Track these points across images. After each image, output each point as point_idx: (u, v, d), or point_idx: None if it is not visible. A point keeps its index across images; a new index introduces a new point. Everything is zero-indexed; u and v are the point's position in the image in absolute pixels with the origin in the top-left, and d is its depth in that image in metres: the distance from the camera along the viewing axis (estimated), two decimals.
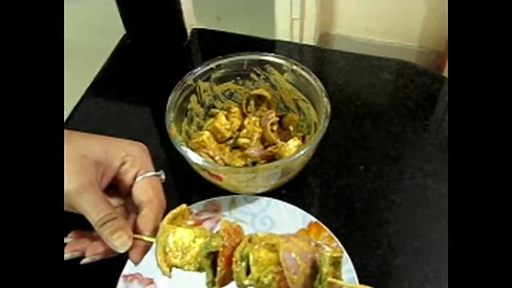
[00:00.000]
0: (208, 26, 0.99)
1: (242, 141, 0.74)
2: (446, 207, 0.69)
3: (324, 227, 0.66)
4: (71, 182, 0.44)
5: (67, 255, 0.48)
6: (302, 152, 0.63)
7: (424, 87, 0.86)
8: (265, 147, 0.73)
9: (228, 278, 0.44)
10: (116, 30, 0.95)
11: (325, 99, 0.68)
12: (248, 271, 0.42)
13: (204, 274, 0.44)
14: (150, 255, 0.64)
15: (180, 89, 0.71)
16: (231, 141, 0.75)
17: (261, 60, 0.74)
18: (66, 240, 0.49)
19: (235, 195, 0.69)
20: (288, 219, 0.67)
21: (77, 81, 0.92)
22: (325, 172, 0.74)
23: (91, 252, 0.48)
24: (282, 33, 1.75)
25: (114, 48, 0.96)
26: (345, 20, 1.86)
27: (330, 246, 0.64)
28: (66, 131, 0.48)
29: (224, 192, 0.70)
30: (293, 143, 0.70)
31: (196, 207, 0.69)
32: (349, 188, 0.72)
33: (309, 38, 1.77)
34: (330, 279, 0.40)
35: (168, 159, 0.78)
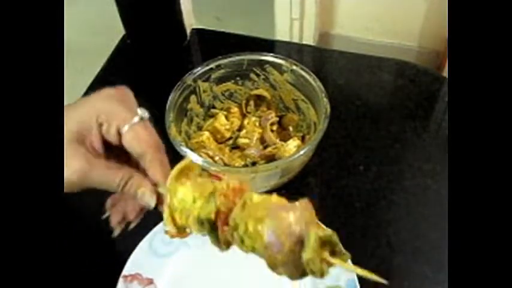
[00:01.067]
0: (208, 26, 0.99)
1: (242, 141, 0.74)
2: (446, 207, 0.68)
3: (324, 227, 0.65)
4: (71, 169, 0.44)
5: (117, 231, 0.49)
6: (302, 152, 0.63)
7: (424, 87, 0.86)
8: (265, 148, 0.73)
9: (228, 240, 0.42)
10: (116, 31, 0.95)
11: (325, 99, 0.68)
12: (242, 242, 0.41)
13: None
14: (150, 256, 0.64)
15: (179, 89, 0.71)
16: (231, 142, 0.75)
17: (261, 60, 0.74)
18: (105, 216, 0.49)
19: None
20: None
21: (76, 81, 0.92)
22: (325, 172, 0.74)
23: (133, 215, 0.49)
24: (281, 33, 1.75)
25: (113, 49, 0.96)
26: (344, 20, 1.86)
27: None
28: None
29: None
30: (293, 143, 0.70)
31: None
32: (349, 188, 0.72)
33: (309, 38, 1.77)
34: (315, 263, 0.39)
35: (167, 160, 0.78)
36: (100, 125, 0.46)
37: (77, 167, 0.44)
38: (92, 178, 0.45)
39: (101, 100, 0.46)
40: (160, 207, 0.46)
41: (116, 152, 0.48)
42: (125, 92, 0.49)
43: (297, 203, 0.42)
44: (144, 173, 0.46)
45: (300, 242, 0.39)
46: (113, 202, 0.49)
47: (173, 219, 0.45)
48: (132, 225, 0.49)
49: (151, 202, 0.46)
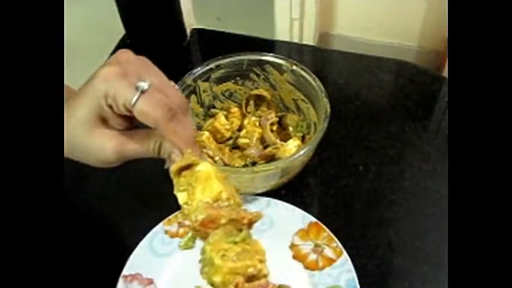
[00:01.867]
0: (208, 26, 0.99)
1: (242, 141, 0.74)
2: (446, 207, 0.69)
3: (324, 227, 0.66)
4: (108, 151, 0.47)
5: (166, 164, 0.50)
6: (302, 152, 0.63)
7: (423, 87, 0.86)
8: (265, 148, 0.73)
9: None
10: (116, 31, 0.95)
11: (325, 99, 0.68)
12: None
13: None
14: (150, 256, 0.64)
15: (179, 89, 0.71)
16: (231, 142, 0.75)
17: (261, 60, 0.74)
18: (165, 166, 0.50)
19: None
20: (288, 219, 0.67)
21: (76, 81, 0.92)
22: (324, 172, 0.74)
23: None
24: (281, 33, 1.75)
25: (113, 49, 0.96)
26: (344, 20, 1.86)
27: (330, 246, 0.64)
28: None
29: None
30: (293, 143, 0.70)
31: None
32: (349, 188, 0.72)
33: (309, 38, 1.77)
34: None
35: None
36: (110, 107, 0.46)
37: (112, 149, 0.47)
38: (128, 153, 0.48)
39: (102, 82, 0.45)
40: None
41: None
42: (121, 62, 0.47)
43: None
44: None
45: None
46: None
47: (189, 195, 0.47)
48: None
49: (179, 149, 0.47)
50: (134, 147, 0.48)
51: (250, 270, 0.43)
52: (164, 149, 0.48)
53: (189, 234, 0.63)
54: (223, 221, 0.45)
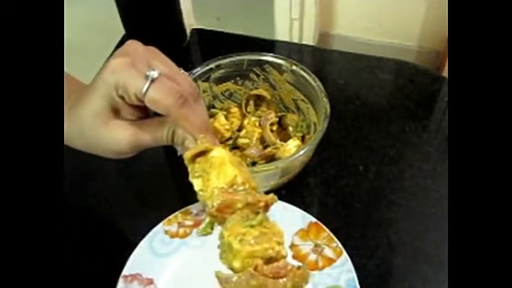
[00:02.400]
0: (208, 26, 0.99)
1: (242, 141, 0.74)
2: (446, 207, 0.69)
3: (324, 227, 0.65)
4: (122, 143, 0.48)
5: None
6: (302, 152, 0.63)
7: (423, 87, 0.86)
8: (265, 148, 0.73)
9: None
10: (115, 31, 0.95)
11: (325, 99, 0.68)
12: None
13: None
14: (150, 256, 0.64)
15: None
16: (231, 142, 0.75)
17: (261, 60, 0.74)
18: (179, 153, 0.51)
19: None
20: (288, 219, 0.67)
21: None
22: (324, 172, 0.74)
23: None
24: (281, 33, 1.75)
25: (113, 49, 0.96)
26: (344, 20, 1.86)
27: (330, 246, 0.64)
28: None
29: None
30: (293, 143, 0.70)
31: (196, 207, 0.69)
32: (349, 188, 0.72)
33: (309, 38, 1.77)
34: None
35: (167, 160, 0.78)
36: (122, 98, 0.46)
37: (126, 139, 0.48)
38: (142, 142, 0.49)
39: (111, 74, 0.46)
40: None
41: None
42: (129, 53, 0.48)
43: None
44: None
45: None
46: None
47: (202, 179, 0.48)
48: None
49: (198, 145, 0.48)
50: (148, 137, 0.49)
51: (269, 252, 0.43)
52: (177, 136, 0.48)
53: (207, 220, 0.61)
54: (239, 205, 0.45)
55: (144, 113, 0.50)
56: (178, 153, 0.51)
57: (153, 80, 0.45)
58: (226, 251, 0.44)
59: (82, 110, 0.48)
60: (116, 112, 0.48)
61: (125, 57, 0.47)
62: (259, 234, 0.44)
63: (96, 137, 0.48)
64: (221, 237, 0.45)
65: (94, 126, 0.48)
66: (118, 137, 0.48)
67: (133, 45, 0.50)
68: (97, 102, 0.47)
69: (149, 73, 0.45)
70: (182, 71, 0.51)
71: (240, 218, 0.45)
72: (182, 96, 0.46)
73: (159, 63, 0.48)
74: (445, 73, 1.52)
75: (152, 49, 0.50)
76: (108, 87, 0.46)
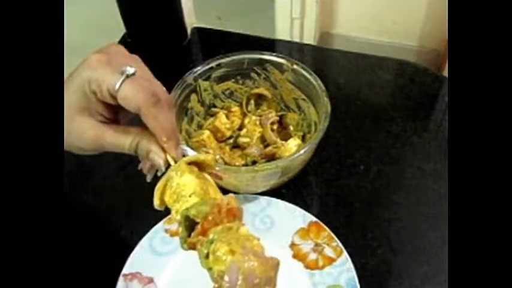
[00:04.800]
0: (209, 25, 0.99)
1: (242, 140, 0.74)
2: (446, 207, 0.69)
3: (324, 226, 0.66)
4: (85, 141, 0.48)
5: (149, 177, 0.52)
6: (302, 152, 0.63)
7: (424, 87, 0.86)
8: (265, 147, 0.73)
9: (194, 245, 0.44)
10: (116, 29, 0.95)
11: (326, 99, 0.68)
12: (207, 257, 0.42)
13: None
14: (149, 256, 0.64)
15: (180, 88, 0.71)
16: (231, 141, 0.75)
17: (261, 59, 0.74)
18: (139, 167, 0.52)
19: (235, 195, 0.69)
20: (288, 218, 0.67)
21: None
22: (325, 171, 0.74)
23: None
24: (282, 32, 1.75)
25: None
26: (345, 20, 1.86)
27: (330, 245, 0.64)
28: None
29: (224, 191, 0.70)
30: (293, 143, 0.70)
31: None
32: (349, 188, 0.72)
33: (309, 38, 1.77)
34: None
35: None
36: (94, 93, 0.46)
37: (89, 138, 0.47)
38: (105, 144, 0.48)
39: (87, 69, 0.46)
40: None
41: (125, 112, 0.48)
42: (110, 52, 0.47)
43: (269, 256, 0.41)
44: None
45: None
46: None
47: (163, 193, 0.47)
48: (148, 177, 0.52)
49: (161, 166, 0.48)
50: (111, 140, 0.48)
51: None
52: (142, 147, 0.48)
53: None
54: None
55: (114, 115, 0.49)
56: (139, 167, 0.52)
57: (128, 76, 0.45)
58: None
59: None
60: (86, 109, 0.47)
61: (103, 54, 0.46)
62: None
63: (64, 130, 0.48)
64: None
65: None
66: (82, 134, 0.48)
67: (116, 47, 0.49)
68: (69, 96, 0.47)
69: (125, 69, 0.45)
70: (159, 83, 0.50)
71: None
72: (155, 96, 0.45)
73: (137, 67, 0.47)
74: (446, 73, 1.52)
75: (134, 56, 0.49)
76: (81, 81, 0.46)
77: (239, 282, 0.39)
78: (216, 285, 0.41)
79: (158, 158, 0.48)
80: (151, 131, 0.47)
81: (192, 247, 0.44)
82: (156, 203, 0.47)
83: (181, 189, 0.46)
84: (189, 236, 0.44)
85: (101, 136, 0.47)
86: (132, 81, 0.45)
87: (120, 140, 0.48)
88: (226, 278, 0.40)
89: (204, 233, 0.43)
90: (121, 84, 0.44)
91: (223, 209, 0.44)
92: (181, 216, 0.44)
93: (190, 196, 0.45)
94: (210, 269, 0.42)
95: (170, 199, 0.46)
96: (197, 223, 0.43)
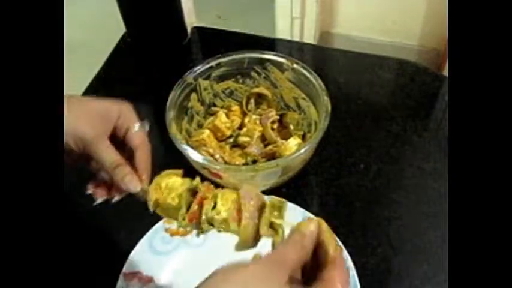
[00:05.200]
0: (209, 24, 0.99)
1: (242, 139, 0.74)
2: (446, 206, 0.69)
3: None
4: (88, 132, 0.52)
5: (98, 200, 0.57)
6: (302, 151, 0.63)
7: (424, 86, 0.86)
8: (266, 146, 0.73)
9: (196, 216, 0.50)
10: (116, 29, 0.95)
11: (326, 98, 0.68)
12: (214, 207, 0.49)
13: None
14: (150, 254, 0.64)
15: (180, 87, 0.71)
16: (232, 140, 0.75)
17: (262, 58, 0.74)
18: (88, 191, 0.57)
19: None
20: (288, 217, 0.67)
21: (77, 79, 0.92)
22: (325, 171, 0.74)
23: (117, 194, 0.56)
24: (282, 32, 1.74)
25: (114, 47, 0.96)
26: (345, 19, 1.86)
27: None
28: (72, 97, 0.54)
29: None
30: (293, 142, 0.70)
31: None
32: (349, 187, 0.72)
33: (309, 37, 1.77)
34: (269, 217, 0.48)
35: (168, 158, 0.78)
36: (117, 119, 0.55)
37: (88, 131, 0.52)
38: (94, 149, 0.52)
39: (124, 105, 0.56)
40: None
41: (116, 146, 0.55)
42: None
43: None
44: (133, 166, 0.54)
45: (263, 205, 0.49)
46: (95, 184, 0.57)
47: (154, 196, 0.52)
48: (115, 199, 0.57)
49: (136, 188, 0.53)
50: (102, 148, 0.53)
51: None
52: (121, 169, 0.53)
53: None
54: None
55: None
56: (89, 191, 0.57)
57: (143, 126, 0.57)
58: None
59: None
60: (103, 119, 0.54)
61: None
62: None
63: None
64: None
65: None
66: (84, 126, 0.53)
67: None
68: (98, 105, 0.55)
69: (144, 123, 0.57)
70: None
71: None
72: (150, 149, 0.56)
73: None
74: (446, 72, 1.52)
75: None
76: (114, 106, 0.56)
77: (253, 197, 0.48)
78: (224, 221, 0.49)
79: (133, 182, 0.53)
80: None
81: (193, 217, 0.50)
82: (151, 204, 0.52)
83: (171, 184, 0.52)
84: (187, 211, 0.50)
85: (98, 138, 0.53)
86: (143, 131, 0.57)
87: (109, 152, 0.53)
88: (244, 196, 0.48)
89: (200, 203, 0.49)
90: (138, 127, 0.56)
91: (211, 186, 0.51)
92: (178, 197, 0.51)
93: (181, 185, 0.52)
94: (219, 213, 0.49)
95: (162, 196, 0.52)
96: (191, 202, 0.50)
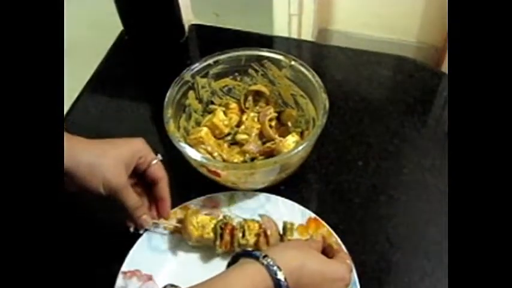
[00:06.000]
0: (206, 21, 0.99)
1: (240, 137, 0.74)
2: (445, 203, 0.69)
3: (323, 222, 0.65)
4: (117, 182, 0.59)
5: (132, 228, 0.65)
6: (300, 148, 0.63)
7: (422, 83, 0.86)
8: (264, 143, 0.73)
9: (229, 243, 0.64)
10: (114, 27, 0.95)
11: (324, 95, 0.68)
12: (243, 236, 0.64)
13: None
14: (149, 252, 0.64)
15: (178, 85, 0.71)
16: (230, 137, 0.75)
17: (259, 56, 0.74)
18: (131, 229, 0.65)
19: (234, 191, 0.69)
20: (287, 215, 0.67)
21: (74, 77, 0.92)
22: (323, 168, 0.74)
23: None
24: (280, 29, 1.74)
25: (111, 45, 0.95)
26: (343, 16, 1.86)
27: (329, 241, 0.64)
28: (104, 143, 0.62)
29: (223, 188, 0.70)
30: (291, 139, 0.70)
31: (195, 203, 0.68)
32: (348, 184, 0.72)
33: (307, 34, 1.76)
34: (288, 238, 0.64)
35: (166, 156, 0.78)
36: (139, 158, 0.63)
37: (117, 182, 0.59)
38: (120, 195, 0.60)
39: (143, 144, 0.64)
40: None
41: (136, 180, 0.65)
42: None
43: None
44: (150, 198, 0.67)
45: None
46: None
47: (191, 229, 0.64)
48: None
49: (148, 225, 0.65)
50: (126, 194, 0.61)
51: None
52: (139, 210, 0.63)
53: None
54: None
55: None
56: (131, 228, 0.65)
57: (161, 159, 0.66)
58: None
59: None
60: (127, 164, 0.61)
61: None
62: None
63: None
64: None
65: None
66: (114, 177, 0.60)
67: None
68: (124, 150, 0.62)
69: (159, 156, 0.66)
70: None
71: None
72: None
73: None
74: (444, 69, 1.52)
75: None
76: (138, 150, 0.63)
77: (273, 225, 0.64)
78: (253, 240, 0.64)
79: (148, 222, 0.64)
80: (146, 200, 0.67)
81: (226, 246, 0.64)
82: (193, 239, 0.64)
83: (202, 222, 0.65)
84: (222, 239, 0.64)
85: (124, 186, 0.60)
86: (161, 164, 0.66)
87: (131, 198, 0.62)
88: (266, 226, 0.63)
89: (231, 233, 0.64)
90: (157, 160, 0.65)
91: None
92: (212, 231, 0.64)
93: (210, 221, 0.65)
94: (248, 240, 0.63)
95: (197, 231, 0.64)
96: (223, 234, 0.64)
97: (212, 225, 0.64)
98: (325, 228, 0.65)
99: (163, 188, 0.65)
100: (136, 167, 0.63)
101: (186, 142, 0.67)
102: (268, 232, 0.63)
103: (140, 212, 0.63)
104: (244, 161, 0.71)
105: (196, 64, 0.73)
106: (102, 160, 0.59)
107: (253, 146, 0.72)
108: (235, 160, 0.72)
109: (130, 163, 0.62)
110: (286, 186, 0.71)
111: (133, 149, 0.63)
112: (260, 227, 0.64)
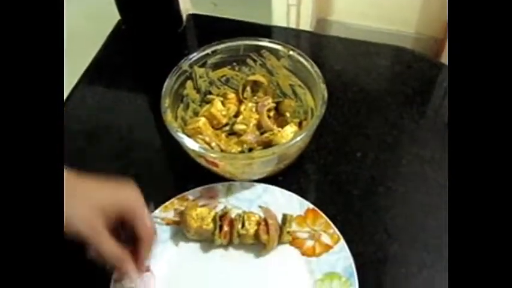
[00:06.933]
0: (204, 11, 0.99)
1: (238, 127, 0.73)
2: (444, 194, 0.69)
3: (321, 213, 0.65)
4: (83, 230, 0.54)
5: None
6: (299, 138, 0.63)
7: (421, 74, 0.85)
8: (262, 134, 0.73)
9: (228, 234, 0.64)
10: (111, 16, 0.94)
11: (322, 85, 0.67)
12: (243, 226, 0.64)
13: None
14: None
15: (175, 75, 0.70)
16: (228, 128, 0.75)
17: (258, 45, 0.74)
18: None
19: (231, 182, 0.69)
20: (285, 205, 0.67)
21: (71, 67, 0.91)
22: (322, 158, 0.74)
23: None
24: (278, 18, 1.74)
25: (108, 35, 0.95)
26: (341, 6, 1.85)
27: (327, 232, 0.64)
28: (78, 179, 0.57)
29: (221, 178, 0.69)
30: (290, 129, 0.69)
31: (192, 193, 0.68)
32: (346, 175, 0.72)
33: (306, 24, 1.76)
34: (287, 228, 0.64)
35: (163, 146, 0.77)
36: (124, 207, 0.57)
37: (83, 229, 0.54)
38: (101, 248, 0.55)
39: (127, 188, 0.59)
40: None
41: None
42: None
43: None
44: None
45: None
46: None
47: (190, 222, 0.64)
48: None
49: (132, 278, 0.59)
50: (108, 247, 0.55)
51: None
52: (122, 265, 0.57)
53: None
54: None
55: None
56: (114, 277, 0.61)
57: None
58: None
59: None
60: (106, 209, 0.56)
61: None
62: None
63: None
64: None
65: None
66: (101, 230, 0.55)
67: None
68: (112, 199, 0.57)
69: (151, 205, 0.61)
70: None
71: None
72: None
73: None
74: (443, 59, 1.52)
75: None
76: (123, 202, 0.58)
77: (274, 219, 0.65)
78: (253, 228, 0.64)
79: (134, 274, 0.58)
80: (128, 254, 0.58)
81: (225, 237, 0.64)
82: (192, 231, 0.64)
83: (201, 213, 0.65)
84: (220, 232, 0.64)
85: (106, 239, 0.55)
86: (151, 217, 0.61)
87: (114, 251, 0.56)
88: (268, 216, 0.65)
89: (230, 224, 0.64)
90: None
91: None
92: (212, 222, 0.64)
93: (209, 213, 0.65)
94: (247, 230, 0.64)
95: (196, 223, 0.64)
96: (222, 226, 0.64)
97: (211, 217, 0.64)
98: (323, 219, 0.65)
99: (144, 249, 0.58)
100: (123, 216, 0.57)
101: (183, 132, 0.66)
102: (270, 221, 0.63)
103: (121, 263, 0.57)
104: (242, 151, 0.71)
105: (194, 54, 0.72)
106: (70, 200, 0.51)
107: (251, 136, 0.72)
108: (233, 150, 0.71)
109: (109, 211, 0.56)
110: (284, 177, 0.71)
111: (117, 197, 0.57)
112: (260, 217, 0.65)
